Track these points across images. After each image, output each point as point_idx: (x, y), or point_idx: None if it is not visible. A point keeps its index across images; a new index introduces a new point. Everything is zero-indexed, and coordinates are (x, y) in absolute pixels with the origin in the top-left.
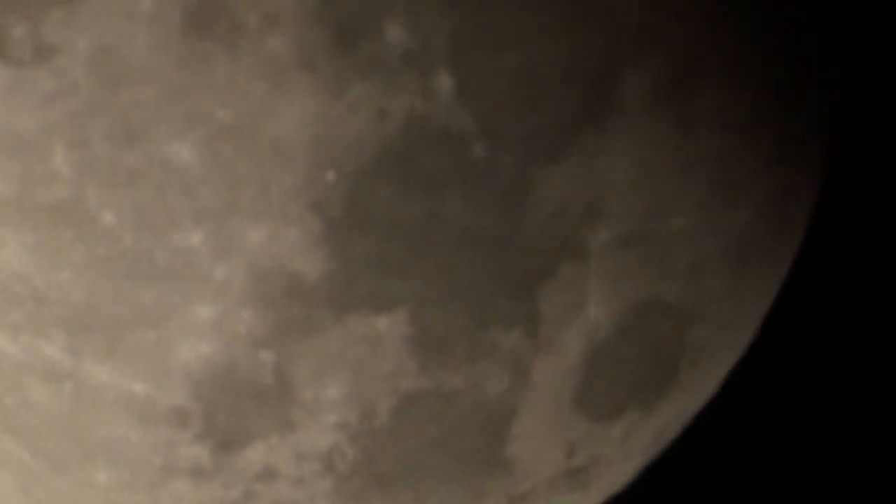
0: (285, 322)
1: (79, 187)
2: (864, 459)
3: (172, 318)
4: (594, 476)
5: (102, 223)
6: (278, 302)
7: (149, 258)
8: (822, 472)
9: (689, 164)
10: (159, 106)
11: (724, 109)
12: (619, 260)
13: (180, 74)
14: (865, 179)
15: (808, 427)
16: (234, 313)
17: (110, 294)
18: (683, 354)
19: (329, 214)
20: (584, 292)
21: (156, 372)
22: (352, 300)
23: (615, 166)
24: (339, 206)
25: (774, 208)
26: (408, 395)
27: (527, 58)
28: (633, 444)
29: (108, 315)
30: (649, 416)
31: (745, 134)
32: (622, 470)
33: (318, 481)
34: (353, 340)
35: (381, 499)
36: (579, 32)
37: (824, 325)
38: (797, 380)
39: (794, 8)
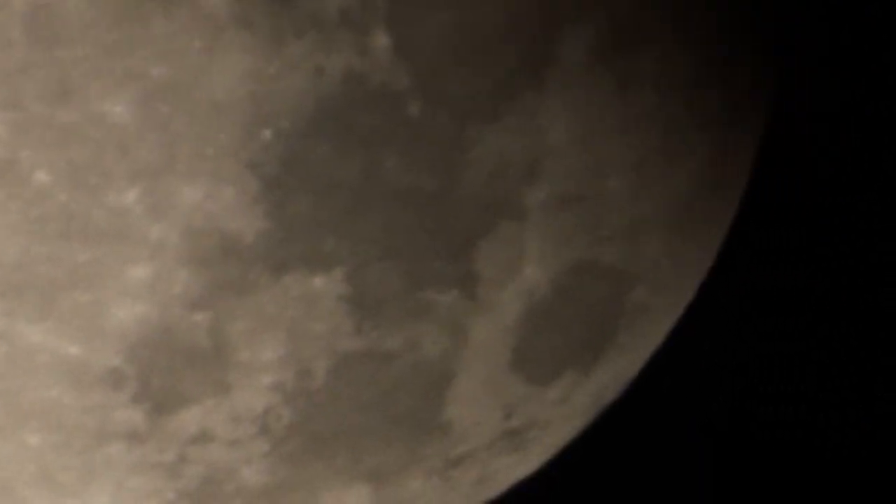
0: (221, 282)
1: (12, 147)
2: (799, 414)
3: (107, 279)
4: (532, 438)
5: (36, 183)
6: (214, 262)
7: (83, 218)
8: (760, 434)
9: (628, 123)
10: (95, 63)
11: (664, 69)
12: (556, 220)
13: (116, 32)
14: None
15: (746, 390)
16: (169, 274)
17: (44, 254)
18: (622, 316)
19: (265, 173)
20: (522, 253)
21: (90, 334)
22: (288, 260)
23: (554, 125)
24: (276, 165)
25: (713, 170)
26: (344, 355)
27: (464, 15)
28: (571, 407)
29: (41, 276)
30: (587, 378)
31: (686, 95)
32: (561, 432)
33: (254, 443)
34: (289, 301)
35: (318, 461)
36: None
37: (762, 286)
38: (735, 342)
39: None
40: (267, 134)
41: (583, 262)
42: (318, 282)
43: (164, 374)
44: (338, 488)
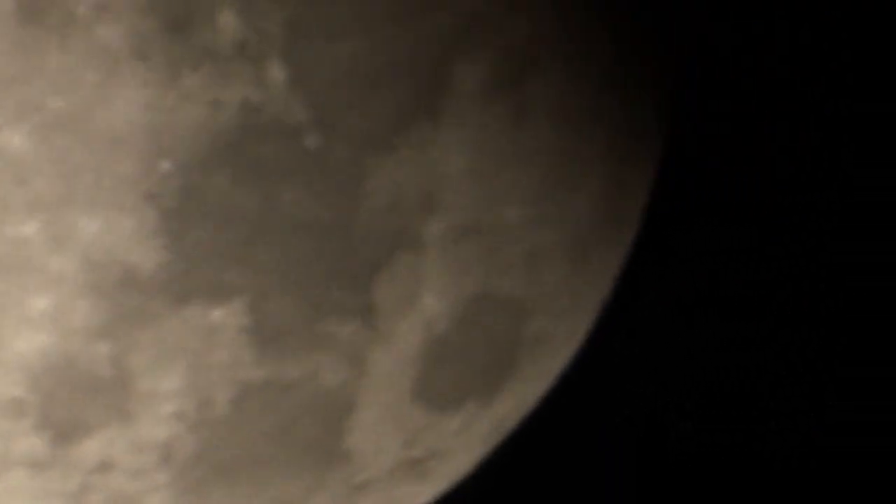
0: (121, 313)
1: None
2: (711, 447)
3: (8, 310)
4: (433, 467)
5: None
6: (114, 293)
7: None
8: (667, 460)
9: (524, 154)
10: None
11: (559, 100)
12: (454, 251)
13: (13, 63)
14: (698, 172)
15: (649, 418)
16: (69, 304)
17: None
18: (521, 346)
19: (164, 204)
20: (421, 284)
21: None
22: (188, 291)
23: (450, 156)
24: (174, 197)
25: (610, 199)
26: (245, 385)
27: (360, 47)
28: (472, 436)
29: None
30: (488, 407)
31: (581, 125)
32: (462, 461)
33: (157, 473)
34: (189, 331)
35: (220, 489)
36: (413, 21)
37: (662, 314)
38: (637, 369)
39: (632, 3)
40: (165, 165)
41: (482, 292)
42: (219, 312)
43: (67, 404)
44: None
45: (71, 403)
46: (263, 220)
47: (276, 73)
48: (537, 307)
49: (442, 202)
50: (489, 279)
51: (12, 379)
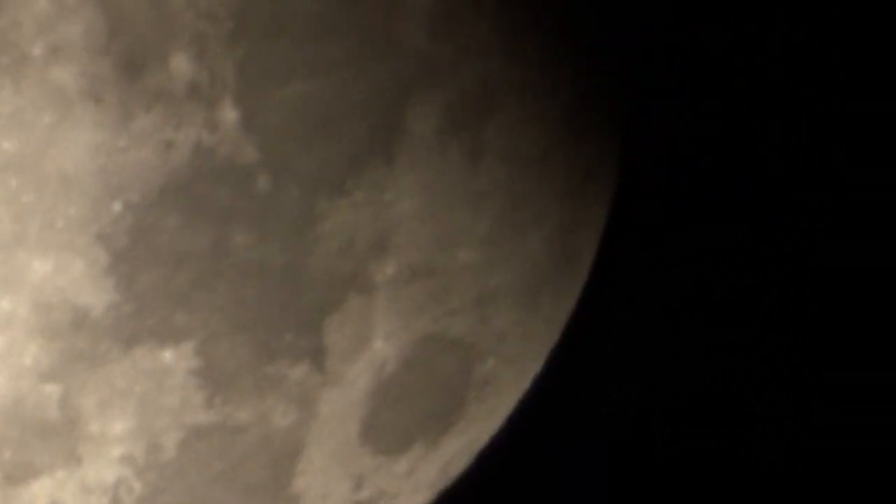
0: (71, 355)
1: None
2: (695, 451)
3: None
4: None
5: None
6: (64, 334)
7: None
8: (649, 466)
9: (477, 195)
10: None
11: (513, 141)
12: (405, 293)
13: None
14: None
15: (632, 423)
16: (19, 346)
17: None
18: (470, 388)
19: (115, 246)
20: (371, 326)
21: None
22: (138, 333)
23: (404, 199)
24: (125, 238)
25: (563, 241)
26: (194, 428)
27: (313, 90)
28: (419, 478)
29: None
30: (436, 449)
31: (534, 166)
32: (409, 503)
33: None
34: (139, 373)
35: None
36: (365, 63)
37: (611, 355)
38: (585, 411)
39: (584, 43)
40: (116, 207)
41: (431, 334)
42: (169, 355)
43: (15, 445)
44: None
45: (20, 445)
46: (214, 261)
47: (229, 114)
48: (487, 349)
49: (394, 244)
50: (439, 321)
51: None
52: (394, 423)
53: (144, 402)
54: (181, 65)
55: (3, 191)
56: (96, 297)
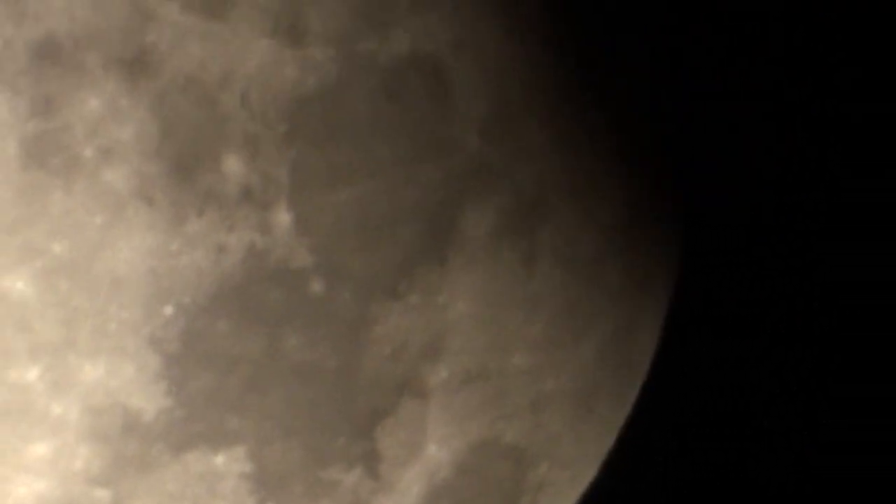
0: (122, 459)
1: None
2: None
3: (8, 456)
4: None
5: None
6: (115, 439)
7: None
8: None
9: (531, 299)
10: None
11: (567, 245)
12: (459, 397)
13: (16, 207)
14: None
15: None
16: (70, 450)
17: None
18: (524, 493)
19: (166, 350)
20: (424, 431)
21: None
22: (189, 437)
23: (457, 303)
24: (177, 342)
25: (617, 345)
26: None
27: (366, 192)
28: None
29: None
30: None
31: (589, 270)
32: None
33: None
34: (190, 478)
35: None
36: (418, 166)
37: (665, 463)
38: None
39: (639, 147)
40: (168, 310)
41: (485, 439)
42: (220, 459)
43: None
44: None
45: None
46: (266, 365)
47: (282, 217)
48: (541, 454)
49: (448, 348)
50: (493, 426)
51: None
52: None
53: None
54: (234, 167)
55: (53, 294)
56: (148, 401)
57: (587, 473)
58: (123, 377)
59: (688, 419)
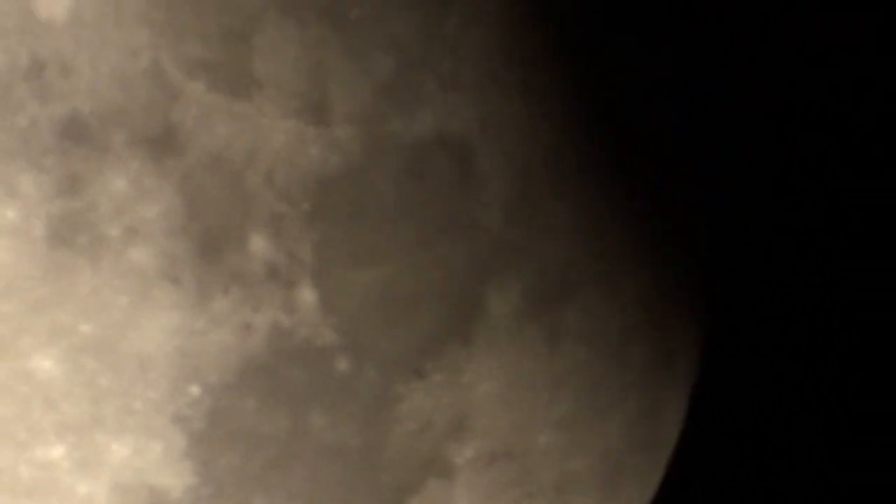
0: None
1: None
2: None
3: None
4: None
5: None
6: None
7: (10, 472)
8: None
9: (556, 378)
10: (23, 318)
11: (592, 324)
12: (485, 477)
13: (44, 286)
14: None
15: None
16: None
17: None
18: None
19: (193, 428)
20: None
21: None
22: None
23: (482, 382)
24: (203, 421)
25: (643, 424)
26: None
27: (391, 272)
28: None
29: None
30: None
31: (614, 349)
32: None
33: None
34: None
35: None
36: (442, 246)
37: None
38: None
39: (664, 227)
40: (194, 389)
41: None
42: None
43: None
44: None
45: None
46: (292, 444)
47: (307, 296)
48: None
49: (473, 427)
50: None
51: None
52: None
53: None
54: (259, 246)
55: (80, 373)
56: (174, 479)
57: None
58: (150, 456)
59: (714, 497)
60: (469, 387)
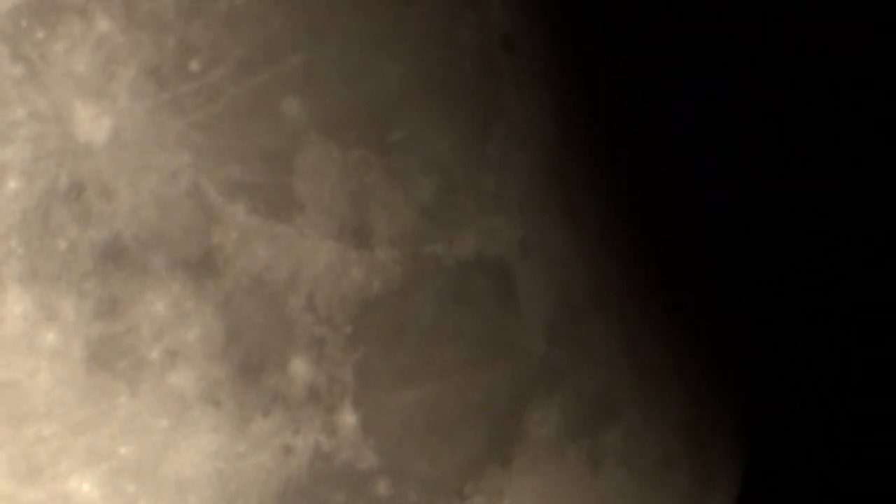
0: None
1: None
2: None
3: None
4: None
5: None
6: None
7: None
8: None
9: (596, 500)
10: (62, 441)
11: (633, 446)
12: None
13: (83, 410)
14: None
15: None
16: None
17: None
18: None
19: None
20: None
21: None
22: None
23: (522, 503)
24: None
25: None
26: None
27: (429, 394)
28: None
29: None
30: None
31: (655, 472)
32: None
33: None
34: None
35: None
36: (484, 368)
37: None
38: None
39: (704, 351)
40: None
41: None
42: None
43: None
44: None
45: None
46: None
47: (347, 419)
48: None
49: None
50: None
51: None
52: None
53: None
54: (299, 369)
55: (119, 496)
56: None
57: None
58: None
59: None
60: None
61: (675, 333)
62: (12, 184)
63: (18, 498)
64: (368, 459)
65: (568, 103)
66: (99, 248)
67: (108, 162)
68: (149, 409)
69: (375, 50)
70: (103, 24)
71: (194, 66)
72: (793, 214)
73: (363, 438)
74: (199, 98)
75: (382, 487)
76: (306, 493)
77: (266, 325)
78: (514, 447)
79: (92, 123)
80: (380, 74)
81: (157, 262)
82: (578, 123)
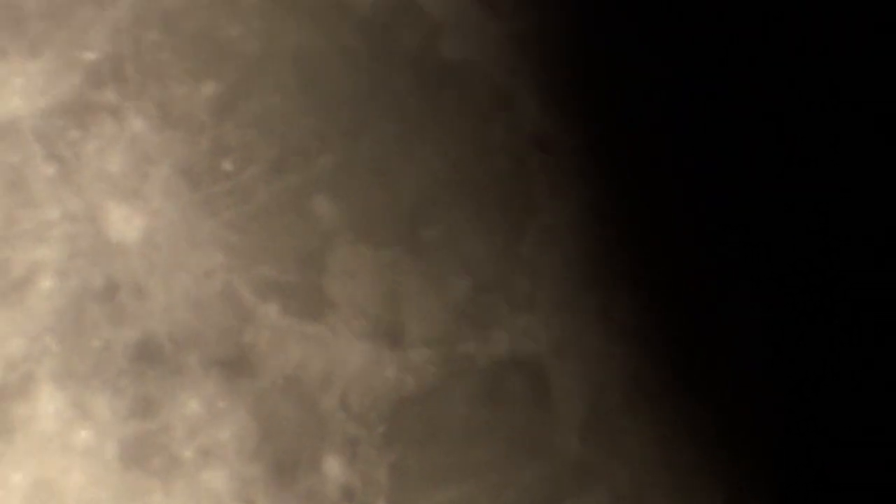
0: None
1: None
2: None
3: None
4: None
5: None
6: None
7: None
8: None
9: None
10: None
11: None
12: None
13: None
14: None
15: None
16: None
17: None
18: None
19: None
20: None
21: None
22: None
23: None
24: None
25: None
26: None
27: (465, 493)
28: None
29: None
30: None
31: None
32: None
33: None
34: None
35: None
36: (517, 468)
37: None
38: None
39: (738, 443)
40: None
41: None
42: None
43: None
44: None
45: None
46: None
47: None
48: None
49: None
50: None
51: None
52: None
53: None
54: (333, 468)
55: None
56: None
57: None
58: None
59: None
60: None
61: (709, 431)
62: (46, 283)
63: None
64: None
65: (601, 202)
66: (133, 347)
67: (141, 261)
68: None
69: (407, 149)
70: (137, 124)
71: (227, 165)
72: (793, 214)
73: None
74: (231, 198)
75: None
76: None
77: (299, 424)
78: None
79: (125, 223)
80: (411, 173)
81: (191, 362)
82: (612, 222)
